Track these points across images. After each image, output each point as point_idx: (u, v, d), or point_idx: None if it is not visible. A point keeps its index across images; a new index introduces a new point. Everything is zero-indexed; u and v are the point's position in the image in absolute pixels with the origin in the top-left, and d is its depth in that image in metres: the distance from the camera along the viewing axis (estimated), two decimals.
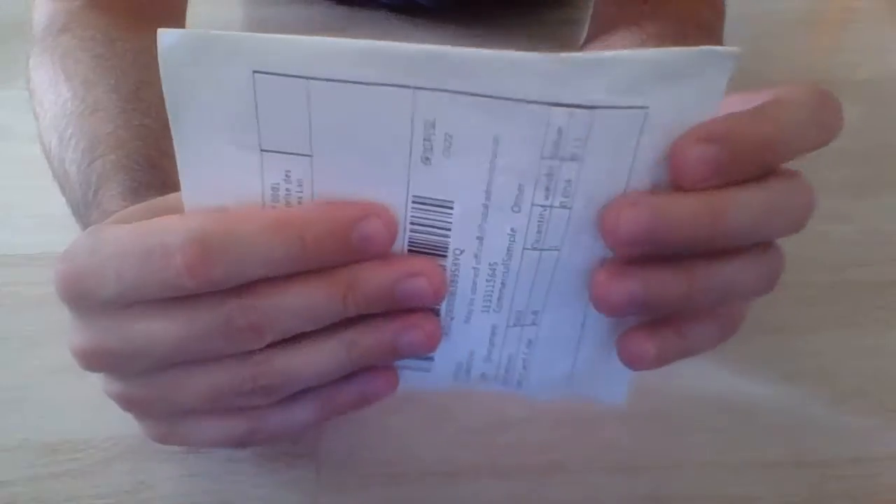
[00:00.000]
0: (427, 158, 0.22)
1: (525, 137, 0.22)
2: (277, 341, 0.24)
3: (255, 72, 0.21)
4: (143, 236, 0.23)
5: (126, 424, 0.33)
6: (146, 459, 0.31)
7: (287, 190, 0.23)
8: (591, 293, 0.24)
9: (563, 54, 0.21)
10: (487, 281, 0.25)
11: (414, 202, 0.23)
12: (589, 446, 0.32)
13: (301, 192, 0.23)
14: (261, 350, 0.24)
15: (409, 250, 0.24)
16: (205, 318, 0.23)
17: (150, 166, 0.33)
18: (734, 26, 0.48)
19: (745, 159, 0.23)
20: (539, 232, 0.24)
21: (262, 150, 0.22)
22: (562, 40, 0.57)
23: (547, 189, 0.23)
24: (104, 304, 0.24)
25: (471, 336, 0.27)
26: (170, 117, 0.22)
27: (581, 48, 0.46)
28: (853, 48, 0.59)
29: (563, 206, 0.23)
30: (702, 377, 0.35)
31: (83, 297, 0.24)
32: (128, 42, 0.40)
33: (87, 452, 0.32)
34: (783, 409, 0.34)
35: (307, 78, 0.21)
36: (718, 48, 0.23)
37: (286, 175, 0.23)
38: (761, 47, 0.57)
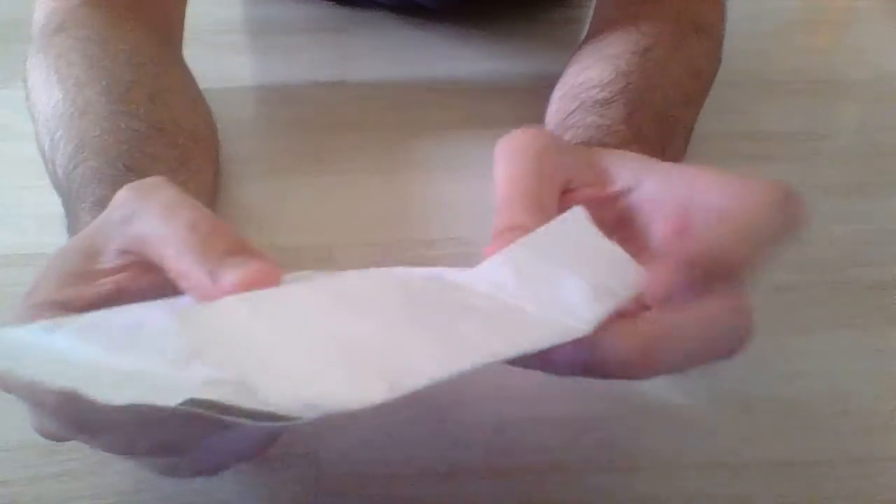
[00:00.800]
0: None
1: None
2: None
3: None
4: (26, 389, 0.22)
5: None
6: None
7: None
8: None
9: None
10: None
11: None
12: (589, 446, 0.32)
13: None
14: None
15: None
16: (113, 441, 0.23)
17: (128, 171, 0.33)
18: (734, 26, 0.48)
19: (711, 276, 0.24)
20: None
21: None
22: (562, 40, 0.57)
23: None
24: None
25: None
26: None
27: (580, 47, 0.46)
28: (853, 48, 0.59)
29: None
30: (702, 377, 0.35)
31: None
32: (122, 42, 0.40)
33: (87, 452, 0.31)
34: (783, 409, 0.34)
35: None
36: (573, 331, 0.23)
37: None
38: (761, 47, 0.57)
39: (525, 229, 0.27)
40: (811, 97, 0.53)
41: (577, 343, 0.23)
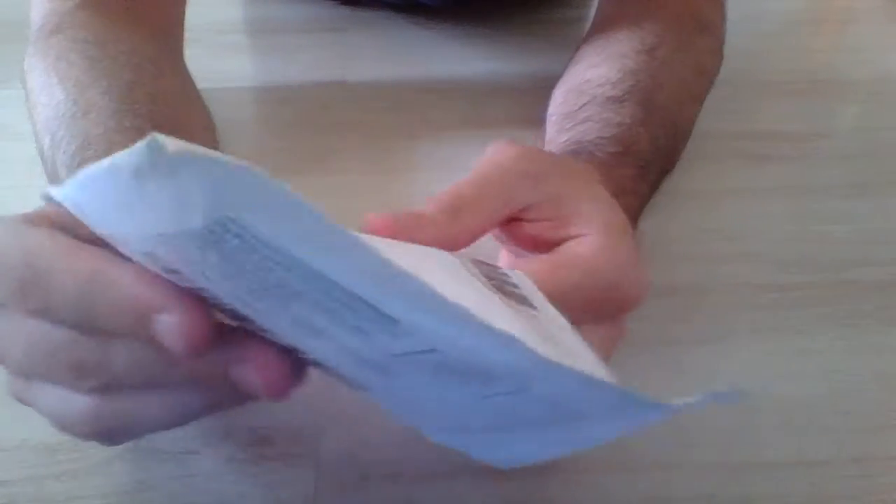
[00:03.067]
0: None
1: None
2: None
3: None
4: None
5: None
6: (146, 459, 0.31)
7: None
8: None
9: None
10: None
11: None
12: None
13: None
14: (99, 391, 0.23)
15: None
16: (43, 340, 0.22)
17: None
18: (735, 26, 0.48)
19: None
20: None
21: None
22: (562, 40, 0.57)
23: None
24: None
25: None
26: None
27: (583, 44, 0.46)
28: (853, 48, 0.59)
29: None
30: (702, 377, 0.35)
31: None
32: (120, 43, 0.40)
33: (87, 452, 0.32)
34: (783, 409, 0.34)
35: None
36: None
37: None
38: (761, 47, 0.57)
39: (419, 220, 0.28)
40: (811, 97, 0.53)
41: None
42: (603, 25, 0.46)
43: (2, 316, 0.23)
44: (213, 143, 0.43)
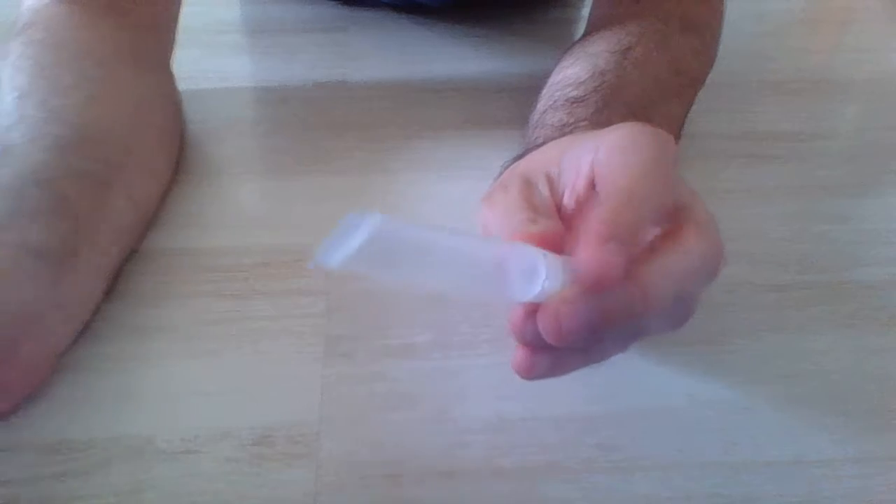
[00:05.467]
0: None
1: None
2: None
3: None
4: None
5: (126, 424, 0.33)
6: (146, 459, 0.31)
7: None
8: (542, 324, 0.25)
9: None
10: None
11: None
12: (589, 446, 0.32)
13: None
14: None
15: None
16: None
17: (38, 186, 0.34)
18: (735, 26, 0.48)
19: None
20: None
21: None
22: (561, 40, 0.57)
23: None
24: None
25: None
26: None
27: (569, 47, 0.46)
28: (853, 48, 0.59)
29: None
30: (702, 377, 0.35)
31: None
32: (78, 42, 0.40)
33: (87, 452, 0.32)
34: (783, 409, 0.34)
35: None
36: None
37: None
38: (761, 47, 0.57)
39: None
40: (811, 97, 0.53)
41: (578, 302, 0.25)
42: (595, 26, 0.46)
43: None
44: (164, 148, 0.43)
